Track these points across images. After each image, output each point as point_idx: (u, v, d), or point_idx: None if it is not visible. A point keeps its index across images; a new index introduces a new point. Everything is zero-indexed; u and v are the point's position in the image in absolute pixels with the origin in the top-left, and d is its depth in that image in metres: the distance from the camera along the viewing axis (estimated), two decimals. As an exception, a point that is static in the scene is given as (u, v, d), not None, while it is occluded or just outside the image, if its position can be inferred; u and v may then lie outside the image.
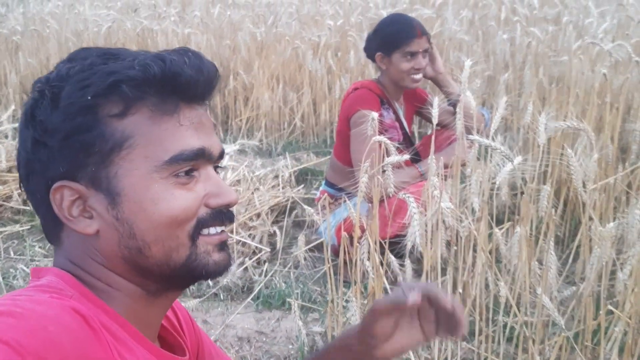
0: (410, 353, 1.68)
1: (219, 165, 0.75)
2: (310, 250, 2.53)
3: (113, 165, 0.65)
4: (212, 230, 0.70)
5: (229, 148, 2.94)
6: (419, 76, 2.31)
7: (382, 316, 0.78)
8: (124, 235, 0.66)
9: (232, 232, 2.50)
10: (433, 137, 1.84)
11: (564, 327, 1.51)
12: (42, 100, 0.66)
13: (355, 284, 1.72)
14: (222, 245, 0.72)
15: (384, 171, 1.73)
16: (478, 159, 1.83)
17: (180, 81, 0.66)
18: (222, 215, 0.71)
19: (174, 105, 0.67)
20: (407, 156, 1.64)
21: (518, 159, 1.48)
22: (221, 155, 0.73)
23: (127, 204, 0.66)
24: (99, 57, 0.67)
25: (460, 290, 1.73)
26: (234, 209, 0.72)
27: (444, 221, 1.67)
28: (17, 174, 2.76)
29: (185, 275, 0.69)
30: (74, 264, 0.68)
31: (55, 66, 0.69)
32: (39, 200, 0.68)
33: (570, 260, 2.13)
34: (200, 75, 0.68)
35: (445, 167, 1.90)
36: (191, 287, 2.33)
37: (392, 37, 2.31)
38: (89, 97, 0.64)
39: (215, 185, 0.70)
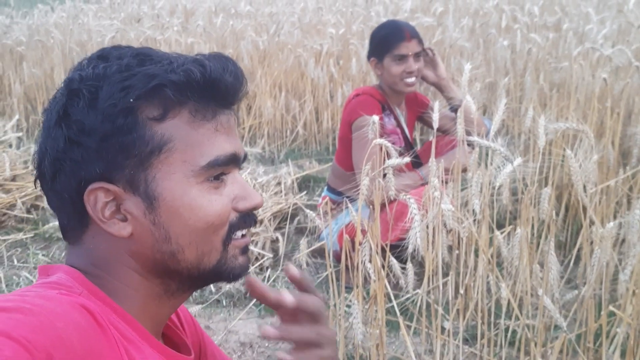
0: (412, 356, 1.67)
1: (241, 169, 0.76)
2: (313, 256, 2.53)
3: (152, 168, 0.65)
4: (239, 233, 0.71)
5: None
6: (411, 80, 2.32)
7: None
8: (159, 239, 0.66)
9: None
10: (434, 142, 1.85)
11: (565, 328, 1.51)
12: (78, 99, 0.65)
13: (357, 288, 1.72)
14: (246, 249, 0.73)
15: (384, 174, 1.74)
16: (479, 163, 1.84)
17: (220, 88, 0.67)
18: (250, 218, 0.71)
19: (212, 111, 0.67)
20: (407, 159, 1.65)
21: (518, 160, 1.49)
22: (245, 158, 0.74)
23: (165, 208, 0.66)
24: (133, 57, 0.66)
25: (462, 292, 1.73)
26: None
27: (444, 224, 1.68)
28: (21, 183, 2.72)
29: (212, 278, 0.71)
30: (93, 264, 0.68)
31: (83, 64, 0.68)
32: (65, 199, 0.67)
33: (571, 264, 2.13)
34: (237, 83, 0.68)
35: (446, 171, 1.91)
36: (193, 293, 2.34)
37: (381, 41, 2.33)
38: (132, 100, 0.64)
39: (242, 188, 0.70)
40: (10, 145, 3.63)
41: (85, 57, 0.69)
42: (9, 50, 4.80)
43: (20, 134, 3.82)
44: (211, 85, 0.66)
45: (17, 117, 3.99)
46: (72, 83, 0.66)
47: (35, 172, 0.69)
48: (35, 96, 4.40)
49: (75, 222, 0.68)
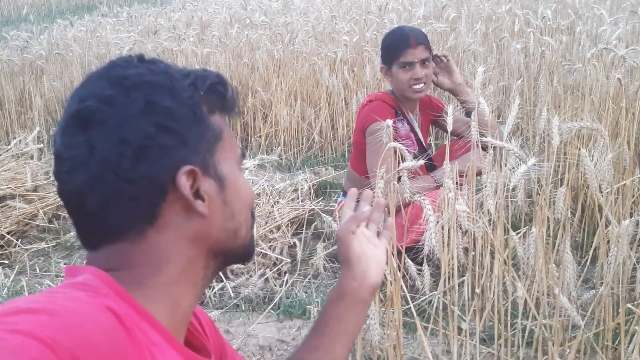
0: (430, 357, 1.69)
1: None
2: (330, 260, 2.55)
3: (216, 153, 0.73)
4: None
5: (249, 163, 3.00)
6: (419, 86, 2.33)
7: (348, 235, 0.96)
8: (227, 217, 0.74)
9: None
10: (448, 145, 1.87)
11: (583, 326, 1.52)
12: (162, 89, 0.69)
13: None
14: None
15: (399, 177, 1.76)
16: (493, 165, 1.85)
17: (226, 96, 0.76)
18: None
19: (228, 112, 0.78)
20: (421, 161, 1.67)
21: (532, 160, 1.50)
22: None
23: (230, 187, 0.74)
24: (161, 61, 0.76)
25: (478, 291, 1.74)
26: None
27: (459, 226, 1.69)
28: (42, 193, 2.78)
29: (244, 255, 0.80)
30: (133, 262, 0.68)
31: (122, 64, 0.71)
32: (141, 189, 0.66)
33: (587, 263, 2.12)
34: (234, 95, 0.79)
35: (460, 174, 1.92)
36: (213, 298, 2.37)
37: (388, 49, 2.35)
38: (202, 92, 0.73)
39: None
40: (32, 157, 3.70)
41: (112, 60, 0.73)
42: (30, 64, 4.90)
43: (41, 146, 3.89)
44: (223, 94, 0.77)
45: (37, 129, 4.07)
46: (143, 76, 0.69)
47: (98, 165, 0.66)
48: (56, 109, 4.49)
49: (141, 216, 0.68)
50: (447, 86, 2.44)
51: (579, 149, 1.55)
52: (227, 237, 0.75)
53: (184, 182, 0.68)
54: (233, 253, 0.78)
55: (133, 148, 0.66)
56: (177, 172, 0.68)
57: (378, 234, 1.00)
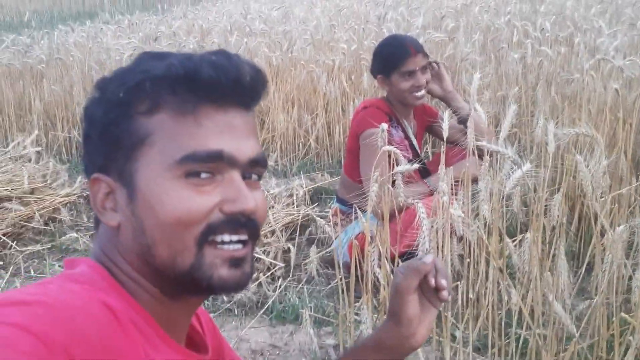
0: (423, 364, 1.67)
1: (256, 173, 0.72)
2: (325, 266, 2.54)
3: (135, 160, 0.66)
4: (226, 237, 0.67)
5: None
6: (420, 93, 2.34)
7: (409, 294, 0.80)
8: (137, 230, 0.66)
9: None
10: (443, 152, 1.87)
11: (577, 336, 1.50)
12: (92, 96, 0.70)
13: (366, 294, 1.73)
14: (236, 262, 0.67)
15: (393, 181, 1.75)
16: (489, 171, 1.85)
17: (198, 80, 0.65)
18: (238, 223, 0.67)
19: (192, 105, 0.66)
20: (416, 165, 1.67)
21: (527, 166, 1.50)
22: (255, 162, 0.70)
23: (141, 199, 0.65)
24: (151, 57, 0.69)
25: (471, 296, 1.72)
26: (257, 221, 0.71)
27: (454, 231, 1.68)
28: (39, 196, 2.81)
29: (189, 284, 0.67)
30: (105, 254, 0.69)
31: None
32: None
33: (582, 274, 2.11)
34: (222, 76, 0.66)
35: (455, 180, 1.92)
36: (205, 302, 2.35)
37: (387, 59, 2.36)
38: (121, 94, 0.66)
39: (235, 191, 0.67)
40: (29, 160, 3.70)
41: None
42: (30, 68, 4.91)
43: (39, 149, 3.89)
44: (189, 78, 0.65)
45: (36, 132, 4.07)
46: (98, 83, 0.71)
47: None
48: (55, 113, 4.49)
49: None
50: (437, 93, 2.44)
51: (575, 155, 1.54)
52: (144, 252, 0.66)
53: (93, 191, 0.69)
54: (166, 273, 0.66)
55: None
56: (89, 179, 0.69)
57: (437, 288, 0.82)
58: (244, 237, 0.68)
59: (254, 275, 2.47)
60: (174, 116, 0.66)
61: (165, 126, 0.66)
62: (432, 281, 0.81)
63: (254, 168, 0.70)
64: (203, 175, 0.66)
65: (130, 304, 0.65)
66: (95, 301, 0.60)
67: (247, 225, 0.68)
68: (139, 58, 0.70)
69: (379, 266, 1.69)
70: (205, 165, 0.66)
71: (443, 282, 0.81)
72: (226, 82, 0.66)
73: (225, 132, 0.67)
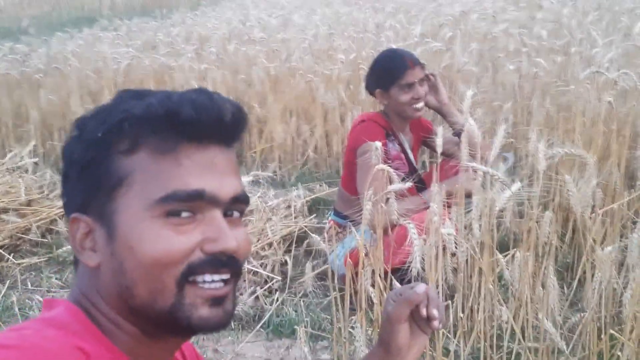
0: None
1: (238, 210, 0.71)
2: (321, 279, 2.56)
3: (114, 200, 0.66)
4: (208, 277, 0.66)
5: (243, 179, 3.00)
6: (419, 105, 2.36)
7: (399, 323, 0.83)
8: (116, 271, 0.66)
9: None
10: (437, 166, 1.88)
11: (567, 351, 1.52)
12: (71, 135, 0.70)
13: (360, 310, 1.74)
14: (217, 301, 0.67)
15: (387, 199, 1.77)
16: (483, 187, 1.86)
17: (178, 119, 0.65)
18: (219, 262, 0.67)
19: (173, 144, 0.66)
20: (409, 184, 1.68)
21: (516, 186, 1.51)
22: (237, 199, 0.70)
23: (120, 239, 0.65)
24: (130, 96, 0.69)
25: (462, 314, 1.74)
26: (240, 259, 0.70)
27: (444, 248, 1.70)
28: (36, 207, 2.80)
29: (170, 323, 0.66)
30: (84, 295, 0.69)
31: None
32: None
33: (574, 286, 2.13)
34: (202, 114, 0.66)
35: (449, 195, 1.93)
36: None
37: (385, 73, 2.38)
38: (100, 134, 0.67)
39: (216, 230, 0.67)
40: (26, 171, 3.70)
41: None
42: (27, 78, 4.91)
43: (36, 160, 3.90)
44: (169, 118, 0.65)
45: (33, 142, 4.07)
46: (76, 122, 0.71)
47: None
48: (52, 122, 4.50)
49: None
50: (433, 105, 2.46)
51: (563, 174, 1.56)
52: (123, 292, 0.66)
53: (72, 231, 0.69)
54: (147, 314, 0.66)
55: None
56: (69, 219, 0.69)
57: (428, 318, 0.83)
58: (225, 276, 0.68)
59: (252, 289, 2.49)
60: (153, 155, 0.66)
61: (145, 165, 0.66)
62: (424, 311, 0.83)
63: (235, 205, 0.70)
64: (184, 214, 0.66)
65: (107, 347, 0.65)
66: (70, 347, 0.61)
67: (228, 264, 0.68)
68: (118, 96, 0.71)
69: (372, 284, 1.71)
70: (186, 204, 0.66)
71: (435, 312, 0.83)
72: (207, 122, 0.67)
73: (206, 170, 0.67)
